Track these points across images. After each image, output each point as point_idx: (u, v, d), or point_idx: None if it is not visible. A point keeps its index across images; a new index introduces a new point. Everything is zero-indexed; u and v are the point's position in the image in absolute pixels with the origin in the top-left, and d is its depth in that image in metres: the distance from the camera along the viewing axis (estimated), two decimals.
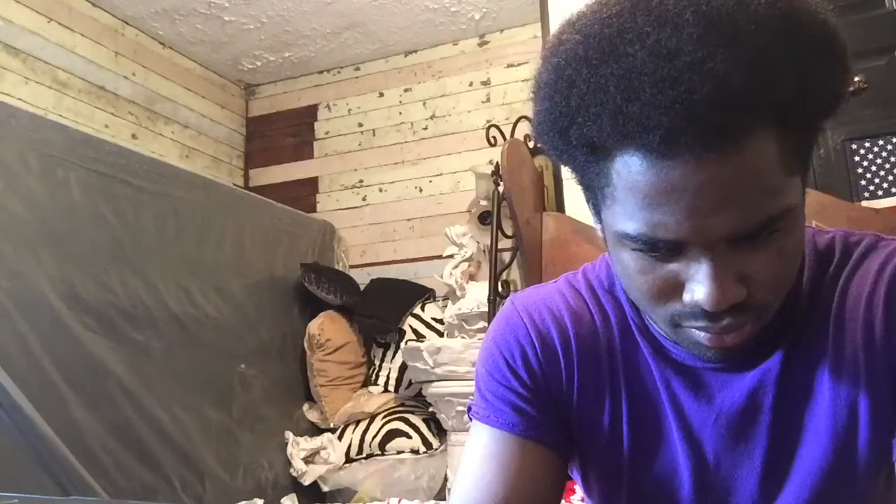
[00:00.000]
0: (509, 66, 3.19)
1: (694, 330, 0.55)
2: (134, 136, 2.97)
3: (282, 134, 3.64)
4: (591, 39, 0.48)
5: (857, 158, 1.98)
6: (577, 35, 0.50)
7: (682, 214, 0.47)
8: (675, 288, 0.53)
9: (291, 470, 2.58)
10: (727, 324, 0.53)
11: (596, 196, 0.55)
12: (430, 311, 2.88)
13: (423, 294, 2.96)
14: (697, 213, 0.47)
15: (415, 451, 2.54)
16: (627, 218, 0.50)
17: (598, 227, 0.59)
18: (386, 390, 2.77)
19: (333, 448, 2.61)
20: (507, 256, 2.62)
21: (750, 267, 0.50)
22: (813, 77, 0.47)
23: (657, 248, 0.51)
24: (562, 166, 1.70)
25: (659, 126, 0.45)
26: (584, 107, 0.48)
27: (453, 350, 2.29)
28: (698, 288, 0.51)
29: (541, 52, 0.55)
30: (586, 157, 0.52)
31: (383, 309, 2.88)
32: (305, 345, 2.77)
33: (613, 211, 0.52)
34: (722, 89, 0.44)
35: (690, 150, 0.45)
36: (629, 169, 0.48)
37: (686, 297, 0.52)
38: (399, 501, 2.23)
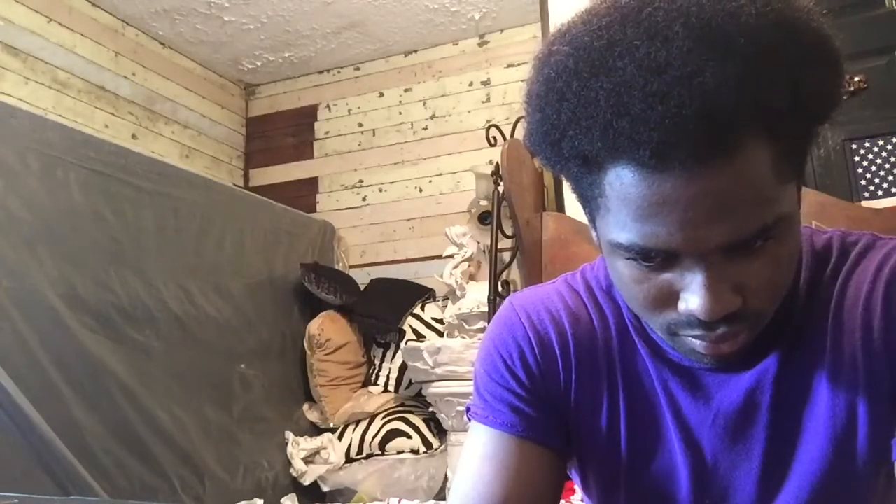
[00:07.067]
0: (509, 66, 3.19)
1: (690, 338, 0.55)
2: (134, 136, 2.97)
3: (282, 134, 3.63)
4: (581, 52, 0.48)
5: (857, 158, 1.97)
6: (566, 47, 0.50)
7: (675, 226, 0.47)
8: (669, 297, 0.53)
9: (291, 470, 2.58)
10: (722, 332, 0.53)
11: (590, 205, 0.55)
12: (430, 311, 2.88)
13: (423, 294, 2.96)
14: (690, 224, 0.47)
15: (415, 451, 2.54)
16: (620, 228, 0.50)
17: (593, 233, 0.59)
18: (386, 390, 2.77)
19: (333, 448, 2.61)
20: (507, 256, 2.63)
21: (744, 275, 0.50)
22: (806, 85, 0.47)
23: (650, 258, 0.51)
24: None
25: (649, 141, 0.45)
26: (575, 120, 0.48)
27: (453, 350, 2.29)
28: (693, 298, 0.51)
29: (532, 62, 0.54)
30: (579, 169, 0.52)
31: (383, 309, 2.88)
32: (305, 345, 2.77)
33: (607, 221, 0.52)
34: (712, 104, 0.43)
35: (682, 163, 0.45)
36: (621, 181, 0.48)
37: (681, 306, 0.52)
38: (399, 501, 2.23)
